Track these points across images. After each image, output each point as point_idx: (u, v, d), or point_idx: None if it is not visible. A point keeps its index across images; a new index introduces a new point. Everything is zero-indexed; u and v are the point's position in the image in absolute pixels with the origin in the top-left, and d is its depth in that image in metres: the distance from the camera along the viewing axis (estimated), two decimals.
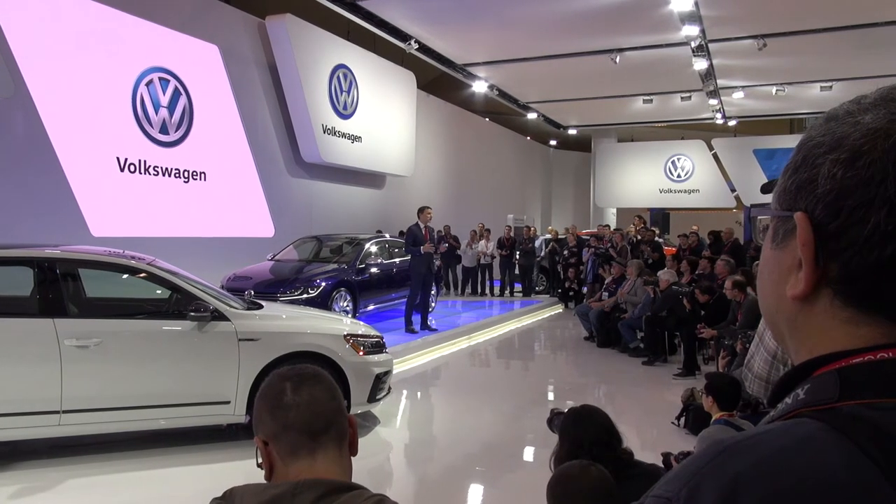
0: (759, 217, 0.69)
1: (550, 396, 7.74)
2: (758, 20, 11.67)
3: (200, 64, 10.71)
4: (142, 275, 4.91)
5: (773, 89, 16.39)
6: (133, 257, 5.11)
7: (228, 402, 4.86)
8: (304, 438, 1.26)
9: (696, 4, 10.85)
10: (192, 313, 4.77)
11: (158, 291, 5.08)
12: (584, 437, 2.65)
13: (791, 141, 22.10)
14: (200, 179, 10.69)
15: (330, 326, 5.51)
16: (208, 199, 10.75)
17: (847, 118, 0.58)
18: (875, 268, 0.54)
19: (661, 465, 3.54)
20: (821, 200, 0.57)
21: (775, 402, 0.60)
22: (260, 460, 1.29)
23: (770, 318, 0.66)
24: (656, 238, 13.24)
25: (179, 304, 4.91)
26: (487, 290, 15.87)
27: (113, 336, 4.62)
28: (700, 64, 13.63)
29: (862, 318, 0.56)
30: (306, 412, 1.27)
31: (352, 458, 1.34)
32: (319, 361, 5.15)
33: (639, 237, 13.27)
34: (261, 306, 5.55)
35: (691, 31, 11.78)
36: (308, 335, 5.23)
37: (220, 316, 4.88)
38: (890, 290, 0.55)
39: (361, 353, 5.35)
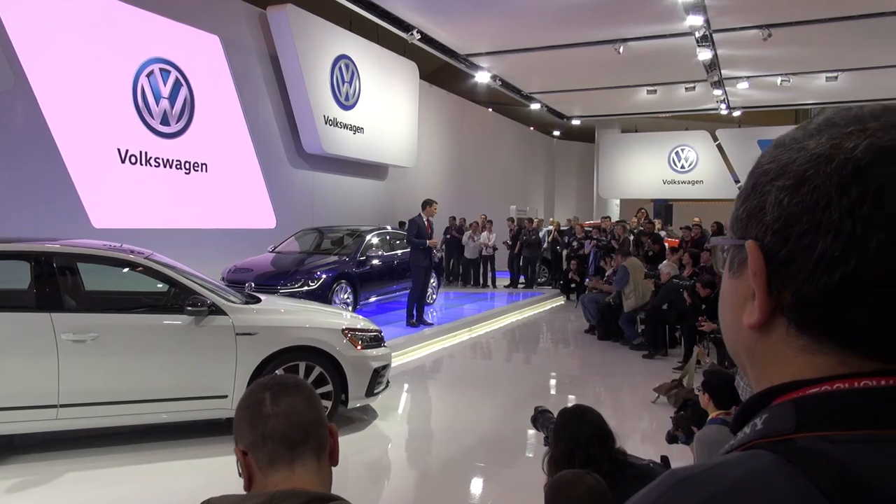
0: (717, 245, 0.68)
1: (551, 391, 7.74)
2: (763, 10, 11.55)
3: (201, 55, 10.67)
4: (139, 269, 4.90)
5: (778, 79, 16.26)
6: (132, 251, 5.11)
7: (226, 397, 4.86)
8: (283, 449, 1.24)
9: None
10: (189, 308, 4.76)
11: (157, 286, 5.07)
12: (579, 436, 2.65)
13: None
14: (202, 171, 10.67)
15: (328, 321, 5.50)
16: (210, 191, 10.74)
17: (793, 144, 0.58)
18: (825, 294, 0.54)
19: (659, 461, 3.53)
20: (769, 228, 0.57)
21: (737, 429, 0.60)
22: (241, 470, 1.28)
23: (731, 346, 0.66)
24: (657, 231, 13.19)
25: (177, 298, 4.91)
26: (489, 282, 15.86)
27: (110, 330, 4.62)
28: (704, 54, 13.53)
29: (817, 346, 0.56)
30: (285, 422, 1.26)
31: (332, 467, 1.33)
32: (317, 355, 5.16)
33: (641, 228, 13.23)
34: (259, 300, 5.54)
35: (696, 20, 11.68)
36: (306, 329, 5.22)
37: (217, 310, 4.88)
38: (841, 316, 0.54)
39: (359, 348, 5.35)
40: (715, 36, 12.80)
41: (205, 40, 10.74)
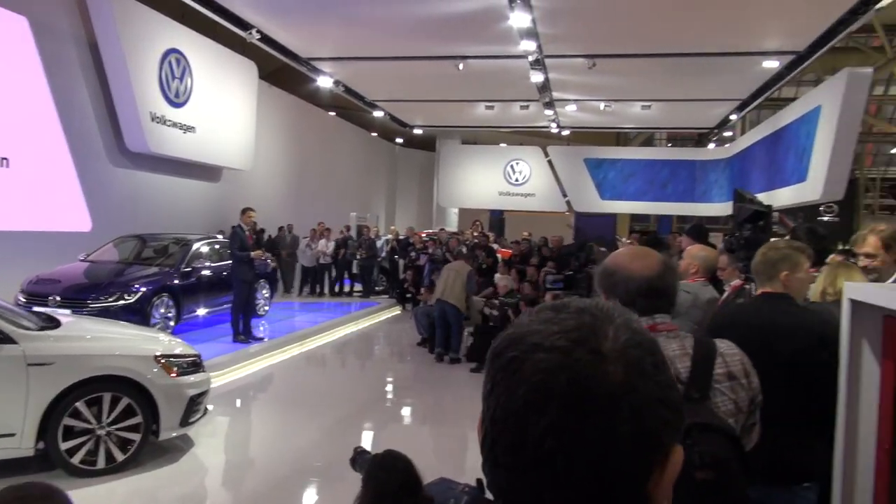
0: None
1: (380, 410, 7.78)
2: (589, 41, 12.45)
3: (5, 36, 9.55)
4: None
5: (602, 105, 17.57)
6: None
7: (14, 435, 4.38)
8: None
9: (534, 22, 11.34)
10: None
11: None
12: (387, 484, 2.66)
13: (616, 152, 23.84)
14: (2, 166, 9.56)
15: (140, 346, 5.13)
16: (11, 188, 9.63)
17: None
18: (484, 459, 0.66)
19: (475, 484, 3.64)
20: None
21: None
22: None
23: None
24: (490, 243, 13.73)
25: None
26: (326, 290, 15.67)
27: None
28: (537, 77, 14.29)
29: None
30: None
31: None
32: (125, 385, 4.80)
33: (475, 241, 13.70)
34: (60, 324, 5.05)
35: (529, 46, 12.30)
36: (112, 357, 4.83)
37: (4, 338, 4.38)
38: (493, 482, 0.65)
39: (174, 375, 5.04)
40: (546, 61, 13.56)
41: (9, 20, 9.63)
